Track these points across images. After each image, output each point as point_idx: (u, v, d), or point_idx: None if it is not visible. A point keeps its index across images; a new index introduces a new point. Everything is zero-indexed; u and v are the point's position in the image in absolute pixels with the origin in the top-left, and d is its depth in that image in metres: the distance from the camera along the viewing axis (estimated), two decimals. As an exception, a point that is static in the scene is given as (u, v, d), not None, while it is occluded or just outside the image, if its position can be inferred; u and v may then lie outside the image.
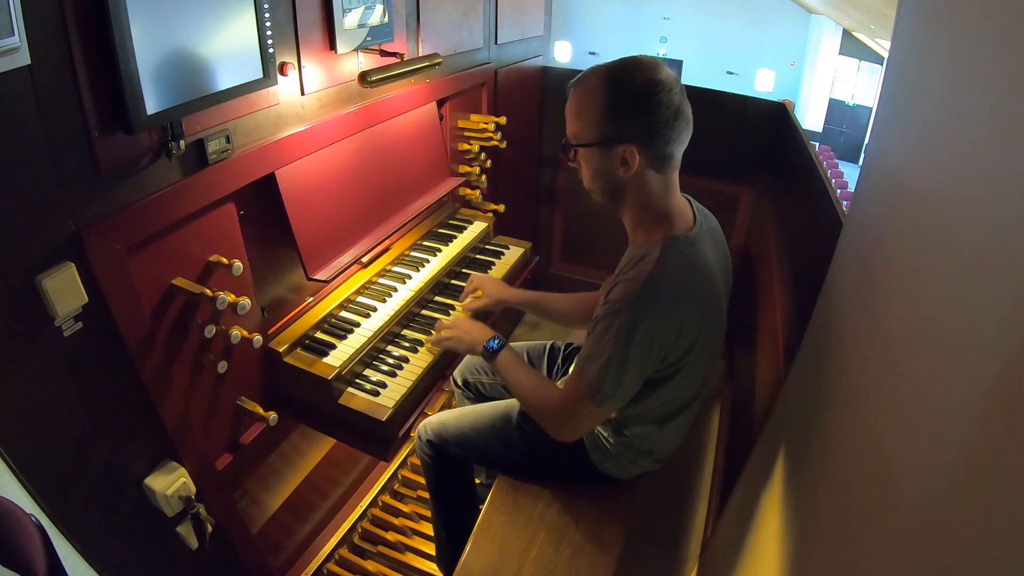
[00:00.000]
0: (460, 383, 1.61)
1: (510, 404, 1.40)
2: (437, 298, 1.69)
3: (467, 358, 1.60)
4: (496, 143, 2.08)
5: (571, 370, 1.11)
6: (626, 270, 1.06)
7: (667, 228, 1.06)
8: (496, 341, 1.29)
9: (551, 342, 1.58)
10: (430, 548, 1.80)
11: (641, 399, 1.13)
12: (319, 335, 1.42)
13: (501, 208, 2.12)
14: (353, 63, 1.44)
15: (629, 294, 1.00)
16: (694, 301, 1.03)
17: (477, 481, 1.64)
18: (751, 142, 2.40)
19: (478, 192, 2.10)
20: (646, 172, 1.03)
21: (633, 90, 0.98)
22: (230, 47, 1.05)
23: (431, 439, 1.47)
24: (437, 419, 1.49)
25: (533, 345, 1.62)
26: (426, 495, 1.95)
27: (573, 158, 1.09)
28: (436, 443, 1.46)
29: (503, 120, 2.07)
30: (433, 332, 1.45)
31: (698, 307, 1.04)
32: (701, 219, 1.11)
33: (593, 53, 12.42)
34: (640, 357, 1.02)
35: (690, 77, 12.16)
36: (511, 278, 1.86)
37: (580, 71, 1.06)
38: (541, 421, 1.21)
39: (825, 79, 12.23)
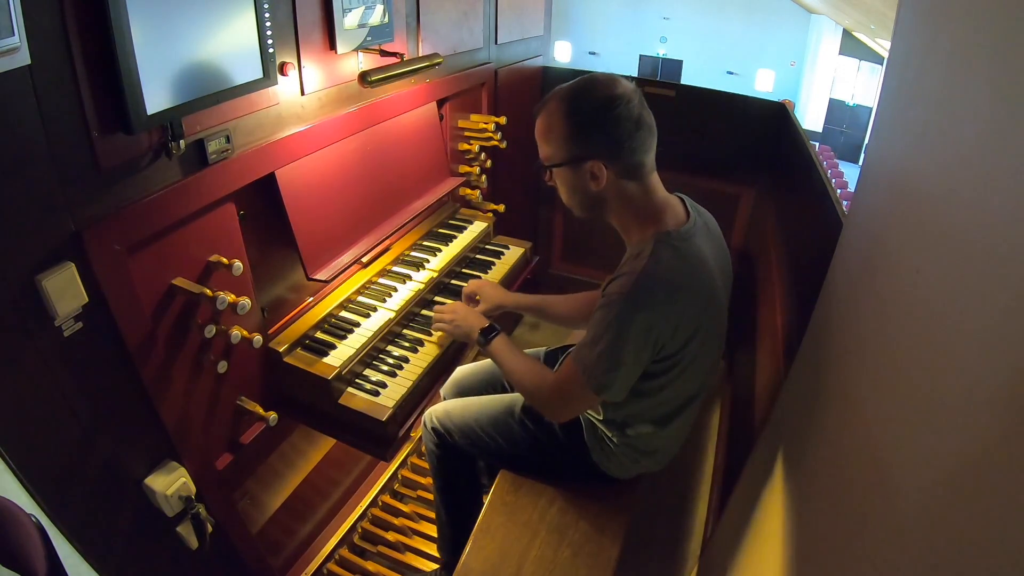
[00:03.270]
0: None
1: (514, 398, 1.41)
2: (437, 298, 1.69)
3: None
4: (496, 143, 2.08)
5: (568, 355, 1.12)
6: (622, 266, 1.08)
7: (658, 224, 1.08)
8: (491, 328, 1.32)
9: (544, 348, 1.58)
10: (430, 548, 1.80)
11: (643, 396, 1.14)
12: (319, 335, 1.42)
13: (501, 208, 2.12)
14: (353, 63, 1.44)
15: (624, 288, 1.02)
16: (691, 294, 1.04)
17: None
18: (751, 142, 2.40)
19: (478, 192, 2.10)
20: (620, 182, 1.06)
21: (592, 108, 1.02)
22: (230, 47, 1.05)
23: (436, 427, 1.48)
24: (443, 407, 1.50)
25: (529, 352, 1.61)
26: (426, 495, 1.96)
27: (550, 178, 1.12)
28: (441, 431, 1.48)
29: (503, 120, 2.08)
30: (433, 314, 1.46)
31: (695, 301, 1.05)
32: (695, 215, 1.12)
33: (593, 53, 12.43)
34: (636, 349, 1.03)
35: (690, 77, 12.19)
36: (511, 278, 1.86)
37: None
38: (535, 402, 1.24)
39: (825, 79, 12.23)
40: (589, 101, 1.02)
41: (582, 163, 1.04)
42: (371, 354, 1.45)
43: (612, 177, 1.04)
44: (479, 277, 1.77)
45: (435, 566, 1.73)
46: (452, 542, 1.56)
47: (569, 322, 1.53)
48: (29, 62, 0.78)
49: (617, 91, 1.01)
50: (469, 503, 1.53)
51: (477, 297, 1.54)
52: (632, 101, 1.01)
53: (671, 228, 1.07)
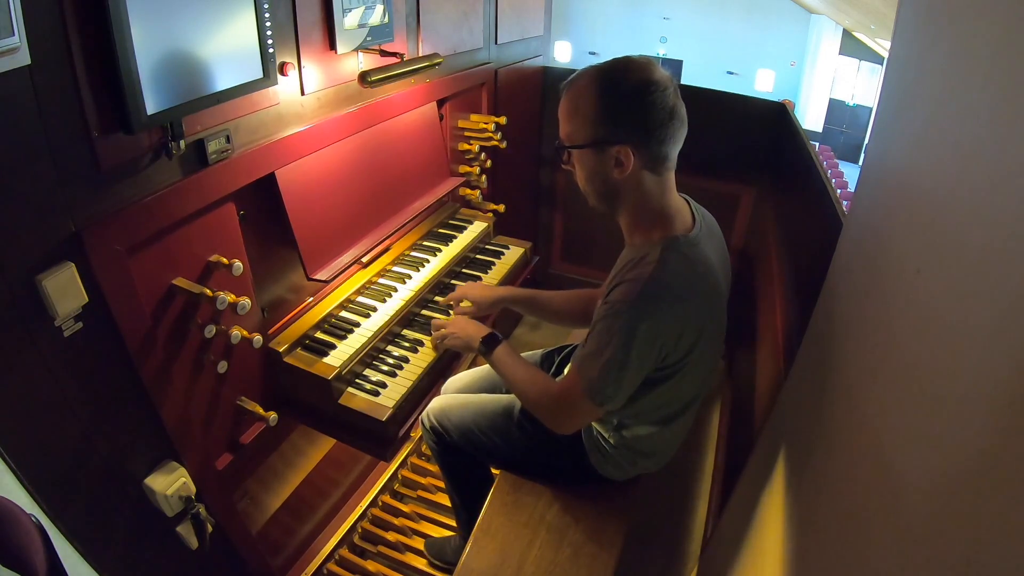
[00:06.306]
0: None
1: (512, 399, 1.40)
2: (437, 298, 1.69)
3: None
4: (496, 143, 2.08)
5: (569, 365, 1.11)
6: (625, 271, 1.04)
7: (666, 229, 1.05)
8: (492, 336, 1.30)
9: (543, 350, 1.57)
10: (430, 548, 1.80)
11: (641, 398, 1.13)
12: (319, 335, 1.42)
13: (501, 208, 2.12)
14: (353, 63, 1.44)
15: (630, 295, 0.99)
16: (697, 302, 1.03)
17: None
18: (751, 142, 2.40)
19: (478, 192, 2.10)
20: (641, 173, 1.02)
21: (626, 90, 0.98)
22: (230, 47, 1.05)
23: (434, 426, 1.48)
24: (440, 405, 1.49)
25: (527, 355, 1.60)
26: (427, 495, 1.96)
27: (567, 160, 1.08)
28: (439, 430, 1.47)
29: (503, 120, 2.07)
30: (433, 332, 1.45)
31: (701, 308, 1.03)
32: (700, 219, 1.10)
33: (593, 53, 12.42)
34: (641, 358, 1.01)
35: (690, 77, 12.18)
36: (511, 278, 1.86)
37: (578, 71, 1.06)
38: (538, 414, 1.21)
39: (825, 79, 12.24)
40: (624, 82, 0.97)
41: (607, 147, 1.00)
42: (371, 354, 1.45)
43: (636, 166, 1.01)
44: (479, 277, 1.77)
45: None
46: (468, 521, 1.52)
47: (564, 319, 1.50)
48: (29, 62, 0.78)
49: (654, 76, 0.97)
50: (479, 485, 1.51)
51: (464, 303, 1.51)
52: (668, 89, 0.98)
53: (679, 233, 1.04)
